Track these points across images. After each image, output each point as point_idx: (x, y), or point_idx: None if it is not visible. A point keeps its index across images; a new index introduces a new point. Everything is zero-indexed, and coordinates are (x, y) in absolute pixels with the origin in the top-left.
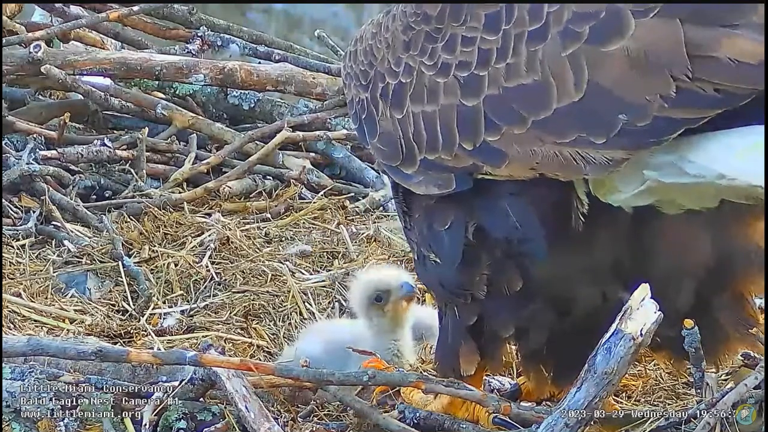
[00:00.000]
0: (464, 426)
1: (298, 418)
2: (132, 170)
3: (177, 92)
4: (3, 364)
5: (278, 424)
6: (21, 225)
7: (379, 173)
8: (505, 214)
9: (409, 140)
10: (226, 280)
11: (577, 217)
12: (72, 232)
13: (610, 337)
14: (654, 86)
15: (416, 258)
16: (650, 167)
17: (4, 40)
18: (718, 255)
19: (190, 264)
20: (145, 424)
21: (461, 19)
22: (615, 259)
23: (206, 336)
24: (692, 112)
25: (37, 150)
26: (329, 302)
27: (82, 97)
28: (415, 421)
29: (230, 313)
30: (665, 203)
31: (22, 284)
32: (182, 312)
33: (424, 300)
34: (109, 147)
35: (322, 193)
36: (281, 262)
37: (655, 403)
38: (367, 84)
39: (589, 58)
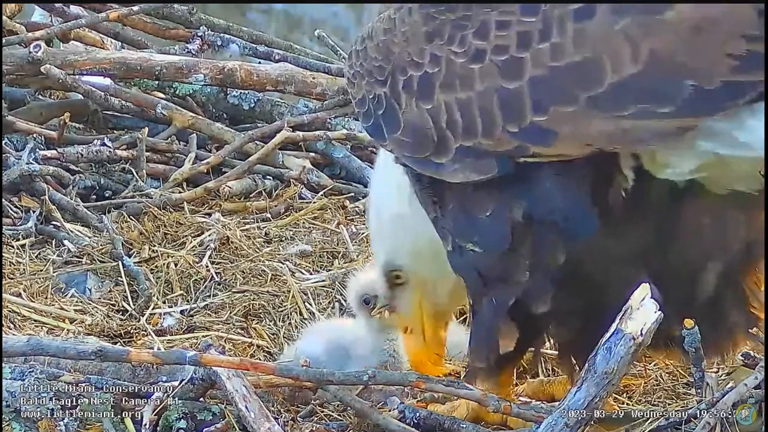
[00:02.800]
0: (464, 426)
1: (298, 418)
2: (132, 170)
3: (177, 92)
4: (3, 364)
5: (278, 424)
6: (21, 225)
7: None
8: (550, 195)
9: (441, 129)
10: (226, 280)
11: (619, 194)
12: (72, 231)
13: (610, 336)
14: (721, 48)
15: (451, 249)
16: (706, 137)
17: (4, 40)
18: (741, 242)
19: (190, 264)
20: (145, 424)
21: (491, 6)
22: (651, 239)
23: (206, 336)
24: (762, 74)
25: (37, 150)
26: (329, 302)
27: (82, 97)
28: (415, 421)
29: (230, 313)
30: (713, 181)
31: (22, 284)
32: (182, 312)
33: None
34: (109, 147)
35: (322, 193)
36: (281, 262)
37: (655, 403)
38: (385, 79)
39: (645, 28)
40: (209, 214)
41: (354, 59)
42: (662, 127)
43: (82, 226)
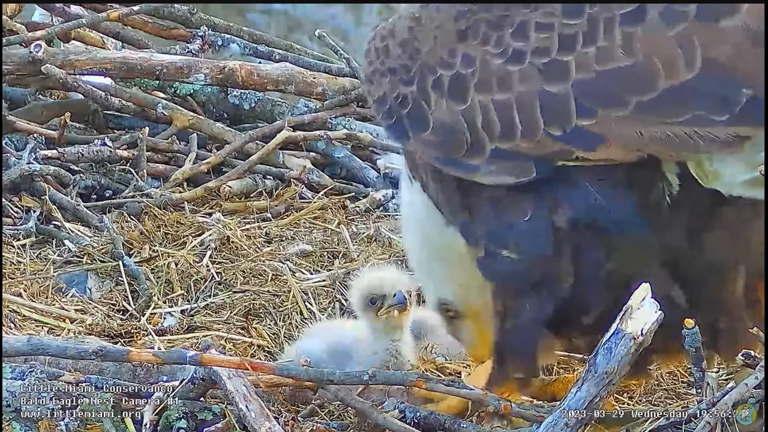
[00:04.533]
0: (464, 426)
1: (299, 418)
2: (132, 170)
3: (177, 92)
4: (3, 364)
5: (279, 424)
6: (21, 225)
7: (379, 173)
8: (593, 197)
9: (476, 130)
10: (226, 279)
11: (664, 198)
12: (72, 231)
13: (610, 336)
14: None
15: (483, 255)
16: (762, 148)
17: (4, 40)
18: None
19: (190, 264)
20: (146, 424)
21: (531, 6)
22: (685, 242)
23: (207, 336)
24: None
25: (38, 150)
26: (330, 302)
27: (83, 97)
28: (416, 421)
29: (231, 313)
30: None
31: (22, 284)
32: (182, 312)
33: (424, 301)
34: (110, 147)
35: (322, 192)
36: (282, 262)
37: (656, 403)
38: (411, 78)
39: (701, 36)
40: (210, 214)
41: (373, 56)
42: (719, 136)
43: (83, 225)
